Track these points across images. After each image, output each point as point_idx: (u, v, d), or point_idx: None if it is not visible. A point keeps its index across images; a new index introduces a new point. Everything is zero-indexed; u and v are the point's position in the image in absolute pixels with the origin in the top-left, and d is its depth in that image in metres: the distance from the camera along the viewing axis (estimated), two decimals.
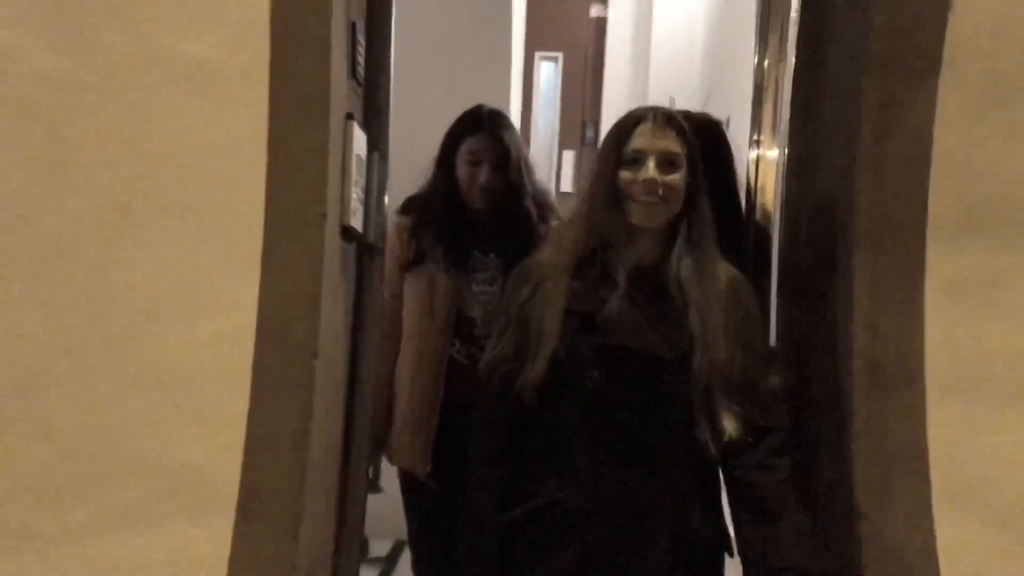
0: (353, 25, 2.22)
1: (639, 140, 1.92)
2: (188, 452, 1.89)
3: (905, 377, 1.85)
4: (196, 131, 1.95)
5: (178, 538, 1.86)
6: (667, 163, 1.90)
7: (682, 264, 1.90)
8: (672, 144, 1.91)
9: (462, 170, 2.77)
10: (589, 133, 5.79)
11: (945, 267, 1.85)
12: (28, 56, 1.91)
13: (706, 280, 1.89)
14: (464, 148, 2.77)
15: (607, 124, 5.93)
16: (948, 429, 1.85)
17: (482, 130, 2.79)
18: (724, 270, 1.95)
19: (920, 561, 1.82)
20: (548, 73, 5.86)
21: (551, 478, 1.92)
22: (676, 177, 1.90)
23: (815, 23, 2.23)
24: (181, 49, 1.94)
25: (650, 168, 1.89)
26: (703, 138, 2.17)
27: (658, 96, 5.33)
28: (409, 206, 2.86)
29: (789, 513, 1.85)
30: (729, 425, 1.83)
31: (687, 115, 2.11)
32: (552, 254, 1.99)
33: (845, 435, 1.89)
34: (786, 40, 2.35)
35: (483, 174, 2.74)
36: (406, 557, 3.55)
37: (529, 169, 2.83)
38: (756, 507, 1.87)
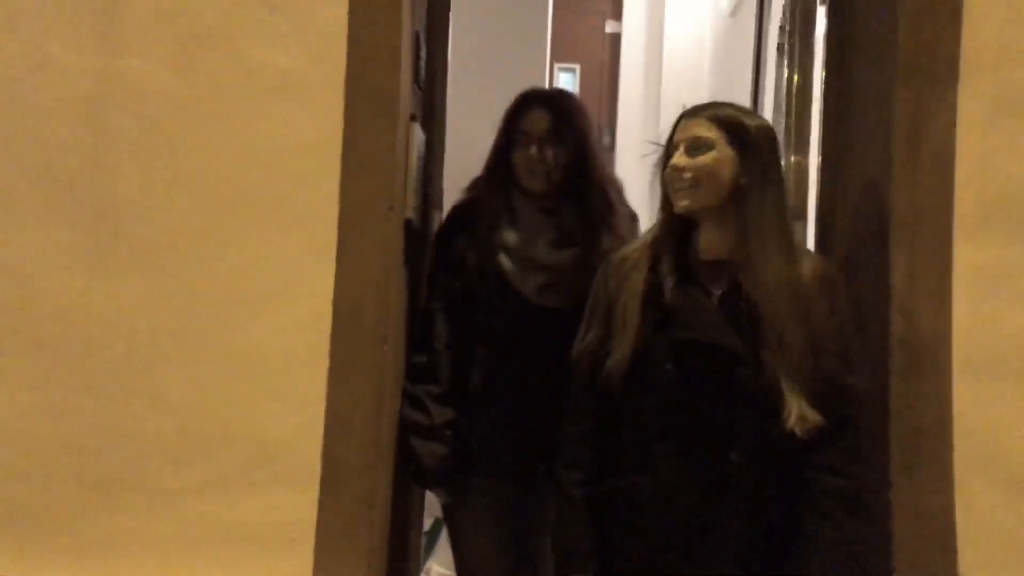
0: (417, 35, 2.40)
1: (676, 134, 1.96)
2: (276, 427, 2.08)
3: (935, 358, 2.02)
4: (280, 135, 2.15)
5: (271, 502, 2.06)
6: (695, 148, 1.90)
7: (749, 255, 1.89)
8: (700, 129, 1.91)
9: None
10: (605, 138, 6.00)
11: (968, 258, 2.03)
12: (152, 78, 2.15)
13: (777, 271, 1.87)
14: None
15: (622, 129, 6.08)
16: (966, 403, 2.02)
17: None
18: (806, 261, 1.93)
19: (940, 521, 2.00)
20: (567, 82, 6.06)
21: (631, 463, 1.97)
22: (704, 159, 1.89)
23: (841, 39, 2.39)
24: (270, 63, 2.15)
25: (677, 155, 1.92)
26: (557, 111, 2.31)
27: (670, 104, 5.51)
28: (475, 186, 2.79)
29: (849, 523, 1.85)
30: (795, 417, 1.82)
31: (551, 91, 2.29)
32: (637, 248, 2.03)
33: (881, 412, 2.05)
34: (811, 54, 2.52)
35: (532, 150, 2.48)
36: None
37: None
38: (819, 509, 1.86)
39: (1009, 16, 2.03)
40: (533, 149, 2.35)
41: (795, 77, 2.55)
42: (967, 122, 2.04)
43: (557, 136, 2.36)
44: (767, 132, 1.96)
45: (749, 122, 1.94)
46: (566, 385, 2.09)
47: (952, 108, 2.04)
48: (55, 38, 2.15)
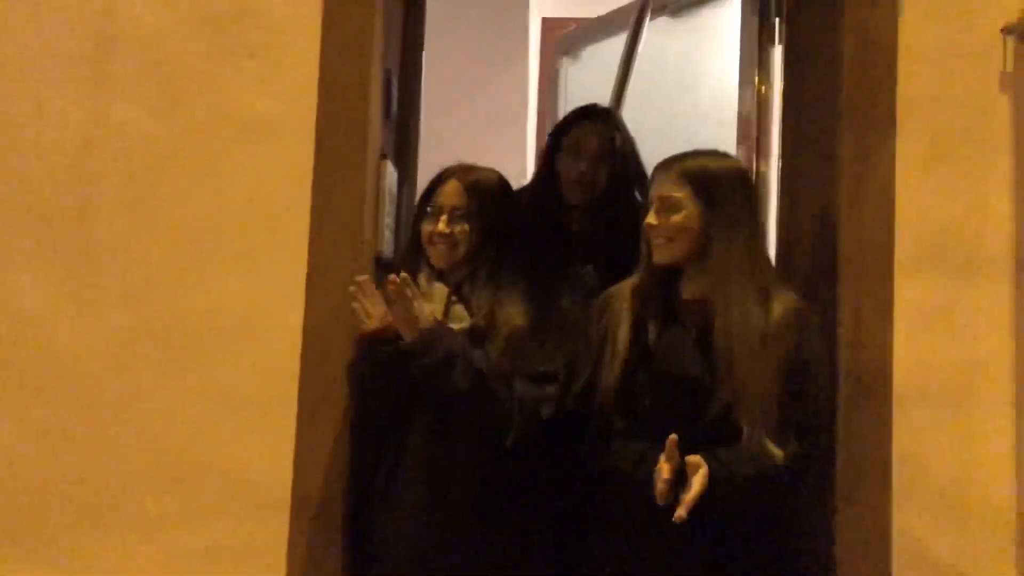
0: (389, 72, 2.48)
1: (652, 189, 2.09)
2: (249, 459, 2.20)
3: (880, 390, 2.12)
4: (253, 177, 2.26)
5: (245, 530, 2.17)
6: (666, 207, 2.03)
7: (715, 300, 2.00)
8: (671, 188, 2.03)
9: (564, 162, 2.61)
10: None
11: (907, 294, 2.13)
12: (136, 123, 2.27)
13: (741, 315, 1.97)
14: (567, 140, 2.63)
15: None
16: (903, 432, 2.12)
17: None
18: (778, 302, 2.01)
19: (878, 544, 2.10)
20: None
21: None
22: (676, 218, 2.02)
23: (797, 77, 2.48)
24: (246, 106, 2.26)
25: (651, 213, 2.05)
26: (488, 198, 2.14)
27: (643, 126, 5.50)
28: None
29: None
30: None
31: (476, 181, 2.15)
32: (626, 287, 2.13)
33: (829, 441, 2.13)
34: (771, 86, 2.61)
35: (583, 165, 2.58)
36: None
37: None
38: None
39: (939, 69, 2.15)
40: (442, 222, 2.15)
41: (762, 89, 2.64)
42: (905, 165, 2.14)
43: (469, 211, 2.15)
44: (736, 175, 2.09)
45: (716, 169, 2.06)
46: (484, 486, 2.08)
47: (892, 151, 2.14)
48: (49, 87, 2.28)
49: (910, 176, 2.14)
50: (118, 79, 2.27)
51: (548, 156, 2.69)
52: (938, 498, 2.11)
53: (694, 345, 2.03)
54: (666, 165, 2.08)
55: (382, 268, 2.41)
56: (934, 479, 2.11)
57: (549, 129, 2.99)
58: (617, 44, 3.47)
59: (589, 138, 2.60)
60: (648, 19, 3.30)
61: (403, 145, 2.67)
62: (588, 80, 3.72)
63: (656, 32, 3.30)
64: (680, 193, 2.03)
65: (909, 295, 2.13)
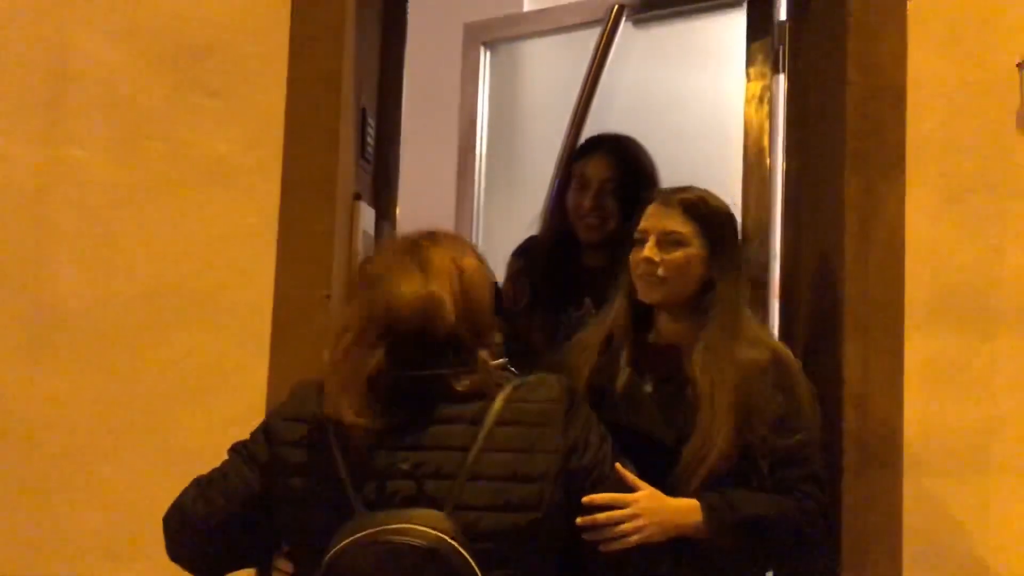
0: (364, 110, 2.35)
1: (644, 221, 1.91)
2: None
3: (888, 455, 1.97)
4: (217, 223, 2.14)
5: None
6: (668, 242, 1.87)
7: (697, 346, 1.84)
8: (674, 222, 1.87)
9: (572, 196, 2.47)
10: None
11: (918, 349, 1.98)
12: (93, 168, 2.16)
13: (721, 365, 1.81)
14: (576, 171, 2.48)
15: None
16: (914, 500, 1.97)
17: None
18: (749, 354, 1.83)
19: None
20: None
21: None
22: (678, 255, 1.86)
23: (800, 112, 2.32)
24: (208, 149, 2.14)
25: (648, 246, 1.87)
26: None
27: None
28: (527, 247, 2.59)
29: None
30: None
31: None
32: (590, 332, 1.99)
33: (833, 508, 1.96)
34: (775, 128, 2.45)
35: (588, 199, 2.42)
36: None
37: None
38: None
39: (951, 107, 2.01)
40: None
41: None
42: (915, 210, 2.00)
43: None
44: (731, 217, 1.93)
45: (718, 208, 1.89)
46: None
47: (901, 195, 1.99)
48: (1, 131, 2.17)
49: (921, 222, 1.99)
50: (73, 121, 2.16)
51: (560, 191, 2.53)
52: (953, 573, 1.96)
53: (652, 397, 1.87)
54: (665, 199, 1.91)
55: None
56: (948, 552, 1.97)
57: None
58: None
59: (596, 169, 2.43)
60: (621, 27, 3.06)
61: (381, 181, 2.53)
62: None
63: (634, 41, 3.08)
64: (685, 230, 1.86)
65: (920, 351, 1.98)
